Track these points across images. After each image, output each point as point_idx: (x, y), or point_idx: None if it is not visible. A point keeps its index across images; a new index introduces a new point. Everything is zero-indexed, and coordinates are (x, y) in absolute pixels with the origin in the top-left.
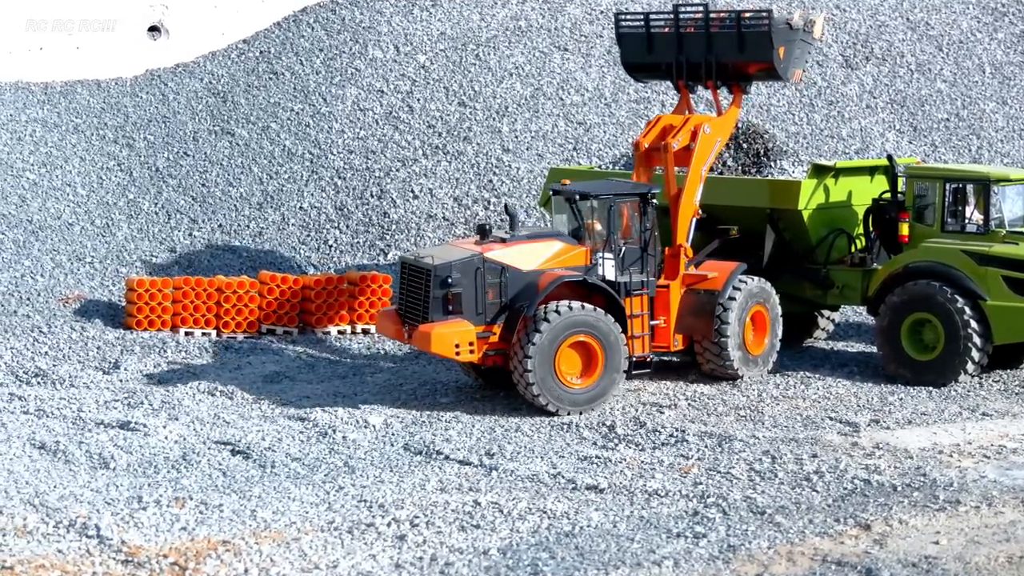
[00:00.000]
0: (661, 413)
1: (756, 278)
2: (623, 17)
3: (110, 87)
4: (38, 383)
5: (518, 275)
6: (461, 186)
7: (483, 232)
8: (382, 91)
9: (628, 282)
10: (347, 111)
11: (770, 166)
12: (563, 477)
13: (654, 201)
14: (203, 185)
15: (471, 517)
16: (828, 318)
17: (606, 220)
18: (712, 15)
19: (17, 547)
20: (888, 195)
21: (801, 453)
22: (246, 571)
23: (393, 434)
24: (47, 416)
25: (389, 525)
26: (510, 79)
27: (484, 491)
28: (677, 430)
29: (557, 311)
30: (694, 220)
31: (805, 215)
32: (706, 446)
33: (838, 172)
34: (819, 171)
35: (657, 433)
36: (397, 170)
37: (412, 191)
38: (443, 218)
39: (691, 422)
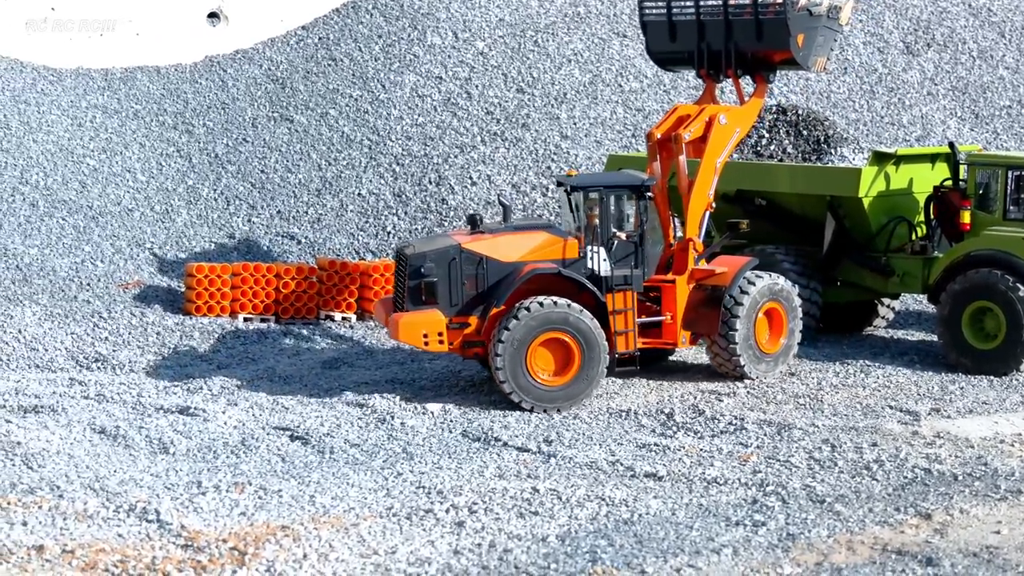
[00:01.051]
0: (720, 401)
1: (771, 274)
2: (646, 4)
3: (170, 73)
4: (98, 368)
5: (498, 266)
6: (519, 173)
7: (473, 222)
8: (440, 77)
9: (610, 277)
10: (405, 97)
11: (830, 153)
12: (622, 464)
13: (648, 194)
14: (262, 171)
15: (529, 504)
16: (888, 306)
17: (597, 213)
18: (731, 1)
19: (78, 531)
20: (949, 183)
21: (861, 442)
22: (305, 556)
23: (451, 421)
24: (107, 401)
25: (447, 511)
26: (569, 66)
27: (542, 478)
28: (736, 418)
29: (528, 308)
30: (707, 214)
31: (866, 203)
32: (765, 434)
33: (899, 159)
34: (880, 158)
35: (716, 421)
36: (455, 157)
37: (470, 177)
38: (500, 204)
39: (750, 410)
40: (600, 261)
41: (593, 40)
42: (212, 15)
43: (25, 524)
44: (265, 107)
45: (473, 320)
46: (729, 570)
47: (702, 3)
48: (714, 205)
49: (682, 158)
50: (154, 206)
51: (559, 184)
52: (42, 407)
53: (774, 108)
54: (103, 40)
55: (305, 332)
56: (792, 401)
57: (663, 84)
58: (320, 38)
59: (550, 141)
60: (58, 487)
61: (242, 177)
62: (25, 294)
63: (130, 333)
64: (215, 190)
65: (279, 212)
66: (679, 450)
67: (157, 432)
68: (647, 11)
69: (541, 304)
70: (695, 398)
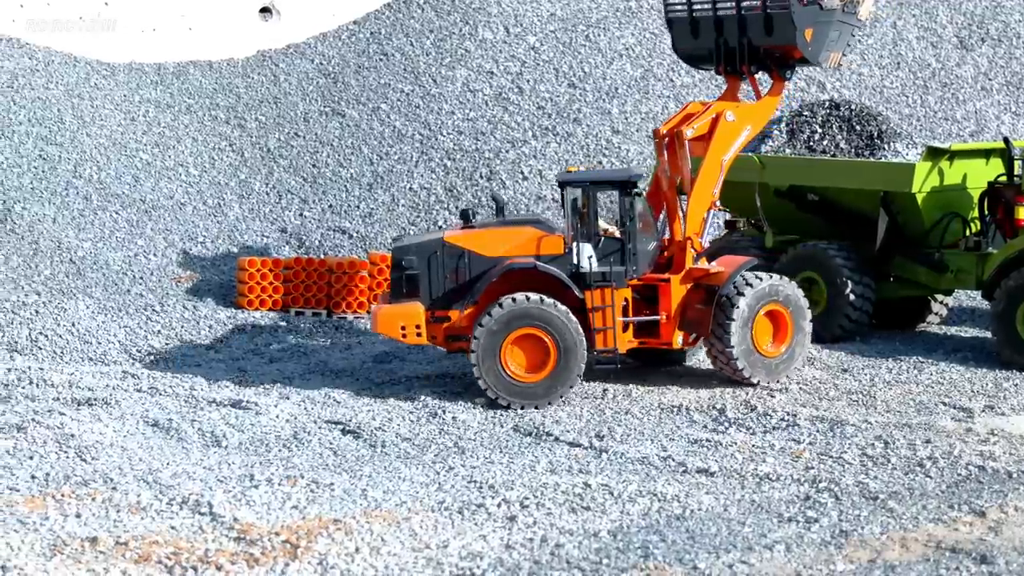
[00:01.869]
0: (772, 397)
1: (774, 276)
2: (670, 2)
3: (222, 68)
4: (151, 361)
5: (480, 261)
6: (571, 168)
7: (466, 217)
8: (492, 72)
9: (588, 273)
10: (457, 92)
11: (883, 148)
12: (673, 460)
13: (636, 191)
14: (313, 166)
15: (581, 499)
16: (942, 303)
17: (585, 208)
18: None
19: (131, 523)
20: (1004, 178)
21: (914, 439)
22: (357, 550)
23: (502, 415)
24: (160, 394)
25: (499, 506)
26: (620, 60)
27: (594, 473)
28: (788, 414)
29: (502, 303)
30: (711, 212)
31: (919, 198)
32: (818, 430)
33: (953, 155)
34: (934, 154)
35: (768, 417)
36: (506, 151)
37: (521, 172)
38: (552, 199)
39: (802, 406)
40: (585, 257)
41: (645, 35)
42: (264, 10)
43: (79, 516)
44: (317, 102)
45: (455, 314)
46: (782, 566)
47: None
48: (718, 204)
49: (686, 155)
50: (206, 200)
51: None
52: (96, 400)
53: (827, 103)
54: (156, 35)
55: (357, 326)
56: (845, 397)
57: (715, 79)
58: (372, 33)
59: (601, 136)
60: (111, 479)
61: (294, 171)
62: (79, 287)
63: (182, 327)
64: (267, 184)
65: (331, 206)
66: (731, 446)
67: (210, 425)
68: (671, 8)
69: (515, 300)
70: (747, 394)
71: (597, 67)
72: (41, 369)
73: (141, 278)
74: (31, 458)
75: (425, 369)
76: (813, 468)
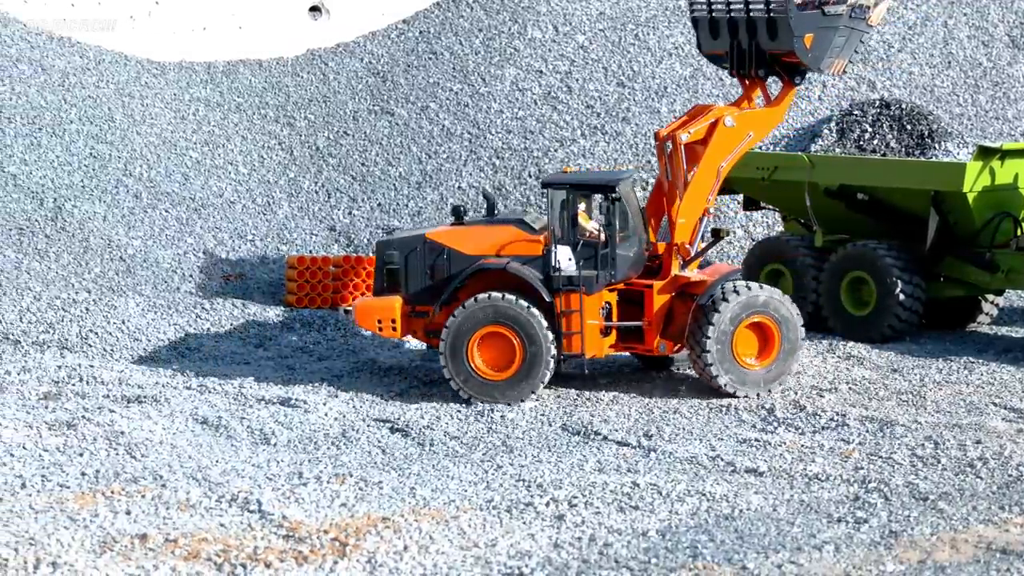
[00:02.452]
0: (821, 397)
1: (764, 287)
2: (694, 1)
3: (271, 67)
4: (200, 359)
5: (461, 258)
6: (619, 167)
7: (457, 214)
8: (541, 71)
9: (558, 277)
10: (506, 91)
11: (934, 148)
12: (722, 459)
13: (614, 195)
14: (362, 164)
15: (629, 498)
16: (992, 302)
17: (565, 211)
18: None
19: (180, 520)
20: None
21: (964, 439)
22: (405, 548)
23: (550, 414)
24: (209, 392)
25: (547, 505)
26: (669, 59)
27: (643, 472)
28: (837, 414)
29: (472, 301)
30: (705, 219)
31: (970, 198)
32: (867, 431)
33: (1004, 154)
34: (985, 153)
35: (817, 417)
36: (555, 150)
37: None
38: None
39: (852, 406)
40: (564, 260)
41: (694, 34)
42: (314, 9)
43: (129, 513)
44: (366, 100)
45: (434, 310)
46: (831, 567)
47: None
48: (711, 211)
49: (680, 159)
50: (256, 198)
51: None
52: (145, 397)
53: (877, 102)
54: (206, 34)
55: None
56: (895, 397)
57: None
58: (421, 32)
59: (650, 135)
60: (161, 477)
61: (343, 170)
62: (128, 285)
63: (232, 324)
64: (316, 183)
65: (379, 205)
66: (780, 446)
67: (259, 423)
68: (694, 7)
69: (483, 298)
70: (796, 393)
71: (646, 66)
72: (91, 367)
73: (190, 276)
74: (81, 455)
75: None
76: (863, 468)
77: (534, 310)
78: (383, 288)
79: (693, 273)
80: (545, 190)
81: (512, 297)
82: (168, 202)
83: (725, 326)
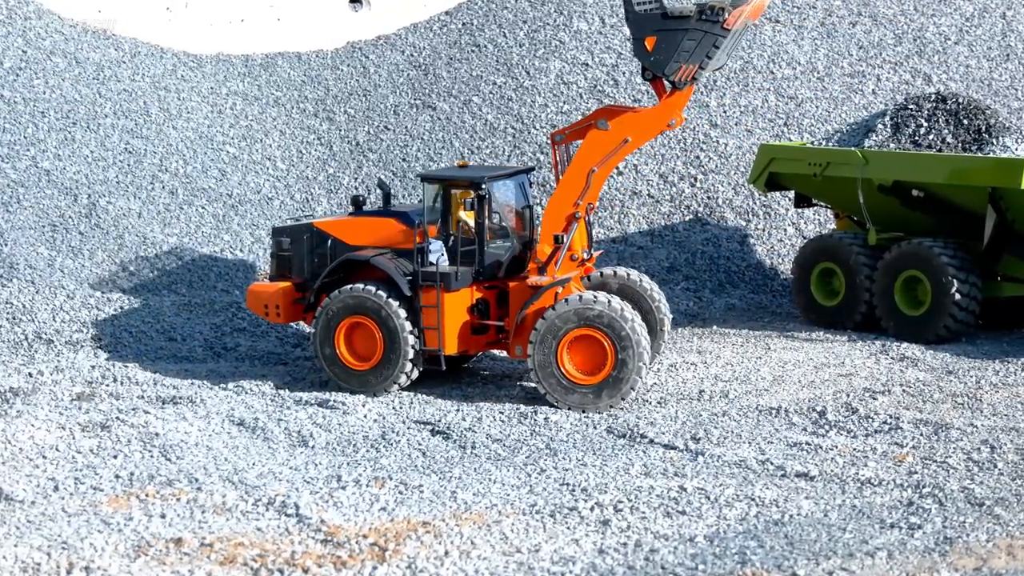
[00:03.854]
0: (874, 399)
1: (597, 295)
2: None
3: (310, 59)
4: (236, 359)
5: (344, 248)
6: (667, 162)
7: (356, 204)
8: (587, 64)
9: (417, 272)
10: (551, 85)
11: (992, 143)
12: (771, 463)
13: (482, 192)
14: (403, 160)
15: (676, 503)
16: None
17: (440, 206)
18: None
19: (216, 524)
20: None
21: (1022, 443)
22: (446, 553)
23: (595, 417)
24: (246, 393)
25: (592, 509)
26: None
27: (690, 476)
28: (891, 417)
29: (338, 291)
30: (574, 225)
31: None
32: (921, 434)
33: None
34: None
35: (870, 420)
36: None
37: (617, 167)
38: (648, 195)
39: (905, 409)
40: (435, 255)
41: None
42: (354, 0)
43: (164, 516)
44: (407, 94)
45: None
46: (884, 574)
47: None
48: (578, 215)
49: (558, 159)
50: (294, 195)
51: None
52: (180, 398)
53: (933, 96)
54: (244, 26)
55: None
56: (950, 400)
57: (816, 71)
58: (464, 23)
59: (699, 129)
60: (196, 479)
61: (383, 165)
62: (164, 283)
63: (269, 324)
64: (356, 179)
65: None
66: (831, 449)
67: (296, 425)
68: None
69: (352, 289)
70: (848, 396)
71: None
72: (126, 367)
73: (227, 274)
74: (115, 457)
75: (515, 368)
76: (916, 473)
77: (393, 303)
78: (276, 274)
79: (543, 278)
80: (422, 184)
81: (372, 288)
82: (204, 198)
83: (550, 335)
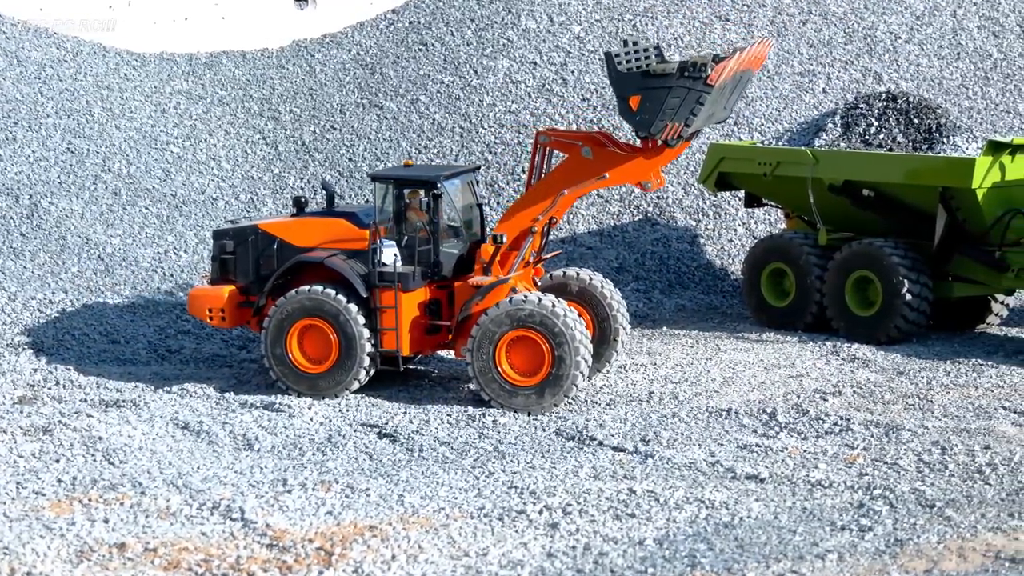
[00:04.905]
0: (825, 400)
1: (529, 294)
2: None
3: (256, 58)
4: (181, 362)
5: (291, 250)
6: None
7: (298, 205)
8: (535, 63)
9: (372, 272)
10: (499, 84)
11: (942, 143)
12: (721, 465)
13: (436, 191)
14: (350, 159)
15: (626, 506)
16: (1002, 303)
17: (392, 206)
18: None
19: (160, 529)
20: None
21: (973, 444)
22: (393, 557)
23: (544, 419)
24: (190, 396)
25: (541, 512)
26: (668, 51)
27: (639, 479)
28: (841, 418)
29: (291, 294)
30: (529, 238)
31: (979, 194)
32: (872, 435)
33: (1015, 149)
34: (995, 148)
35: (820, 421)
36: None
37: None
38: (597, 194)
39: (856, 410)
40: (389, 255)
41: (694, 24)
42: None
43: (107, 521)
44: (354, 93)
45: (267, 301)
46: None
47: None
48: (534, 229)
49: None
50: (239, 195)
51: None
52: (124, 401)
53: (884, 95)
54: (187, 24)
55: None
56: (901, 401)
57: (767, 70)
58: (411, 22)
59: None
60: (140, 483)
61: (330, 165)
62: (107, 285)
63: (241, 326)
64: (302, 179)
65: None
66: (782, 451)
67: (241, 428)
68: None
69: (307, 290)
70: (798, 397)
71: None
72: (68, 369)
73: (171, 275)
74: (57, 461)
75: (464, 370)
76: (867, 475)
77: (349, 304)
78: (219, 277)
79: (484, 278)
80: (372, 184)
81: (326, 290)
82: (148, 199)
83: (486, 337)
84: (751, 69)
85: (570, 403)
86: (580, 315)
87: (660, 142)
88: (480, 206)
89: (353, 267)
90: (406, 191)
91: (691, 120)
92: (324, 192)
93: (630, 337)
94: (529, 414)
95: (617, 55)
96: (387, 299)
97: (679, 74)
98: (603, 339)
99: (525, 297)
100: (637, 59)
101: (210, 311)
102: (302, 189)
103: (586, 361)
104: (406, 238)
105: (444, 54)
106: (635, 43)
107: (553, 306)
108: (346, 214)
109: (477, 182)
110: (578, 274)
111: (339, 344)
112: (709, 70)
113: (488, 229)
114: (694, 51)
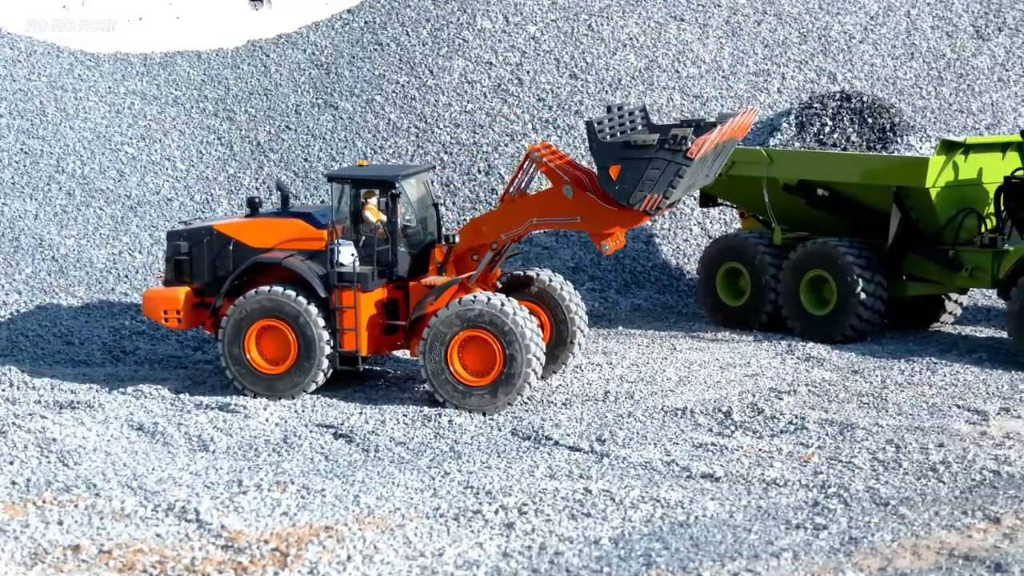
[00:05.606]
0: (780, 399)
1: (480, 294)
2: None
3: (210, 58)
4: (135, 363)
5: (247, 251)
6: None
7: (252, 205)
8: (491, 63)
9: (332, 273)
10: (454, 83)
11: (896, 142)
12: (677, 465)
13: (395, 191)
14: (305, 160)
15: (582, 505)
16: (956, 301)
17: (348, 206)
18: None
19: (115, 531)
20: (1021, 172)
21: (927, 442)
22: (349, 558)
23: (500, 419)
24: (145, 397)
25: (496, 512)
26: (624, 50)
27: (595, 478)
28: (796, 417)
29: (249, 295)
30: (489, 253)
31: (933, 193)
32: (827, 434)
33: (968, 148)
34: (948, 147)
35: (776, 420)
36: (505, 145)
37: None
38: (279, 189)
39: (811, 409)
40: (347, 255)
41: (649, 24)
42: None
43: (61, 523)
44: (309, 93)
45: (223, 302)
46: (789, 575)
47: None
48: (495, 245)
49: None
50: (194, 195)
51: None
52: (78, 403)
53: (838, 95)
54: (142, 24)
55: None
56: (855, 400)
57: (721, 70)
58: (366, 22)
59: None
60: (95, 485)
61: (285, 166)
62: (61, 286)
63: (195, 327)
64: (257, 179)
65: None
66: (737, 450)
67: (196, 429)
68: None
69: (265, 291)
70: (754, 396)
71: (600, 57)
72: (22, 371)
73: (126, 276)
74: (11, 463)
75: (419, 371)
76: (822, 473)
77: (308, 305)
78: (173, 278)
79: (436, 277)
80: (329, 184)
81: (286, 291)
82: (102, 199)
83: (437, 338)
84: (735, 138)
85: (525, 403)
86: (537, 316)
87: (642, 209)
88: (436, 206)
89: (312, 268)
90: (363, 191)
91: (670, 192)
92: (279, 193)
93: (587, 338)
94: (484, 414)
95: (600, 123)
96: (346, 299)
97: (659, 146)
98: (560, 341)
99: (475, 297)
100: (621, 126)
101: (165, 312)
102: (257, 189)
103: (538, 359)
104: (363, 238)
105: (400, 54)
106: (619, 108)
107: (503, 305)
108: (302, 215)
109: (433, 182)
110: (538, 275)
111: (298, 345)
112: (690, 143)
113: (446, 229)
114: (649, 49)
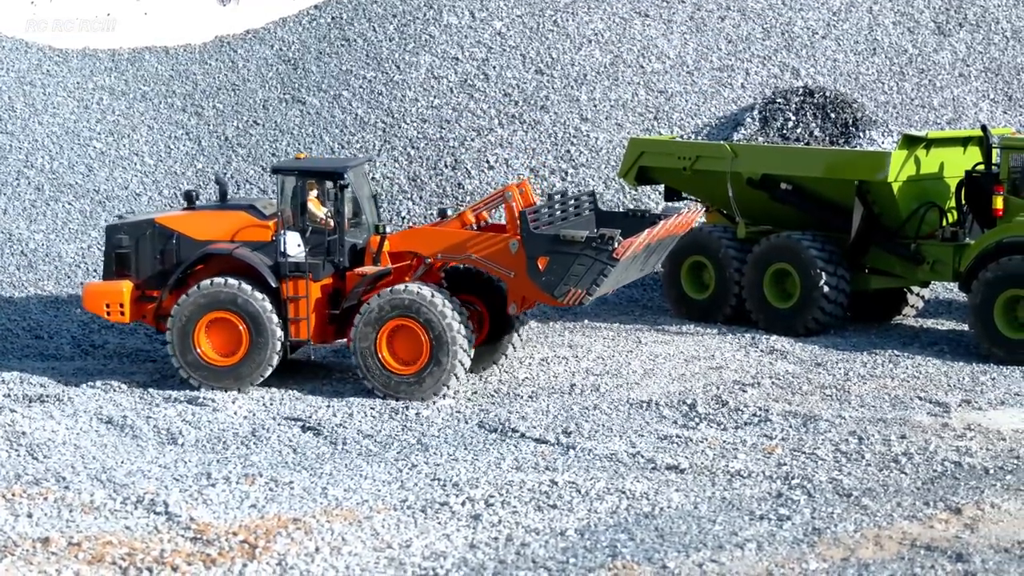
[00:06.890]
0: (744, 392)
1: (410, 284)
2: None
3: (179, 54)
4: (104, 356)
5: (190, 244)
6: (538, 156)
7: (189, 199)
8: (457, 58)
9: (283, 263)
10: (421, 79)
11: (859, 137)
12: (642, 456)
13: (343, 182)
14: (273, 154)
15: (548, 497)
16: (918, 295)
17: (295, 197)
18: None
19: (84, 523)
20: (982, 167)
21: (889, 434)
22: (317, 550)
23: (467, 411)
24: (114, 390)
25: (463, 504)
26: (589, 46)
27: (561, 470)
28: (760, 409)
29: (198, 287)
30: (428, 261)
31: (895, 187)
32: (790, 426)
33: (930, 143)
34: (910, 142)
35: (740, 412)
36: (472, 140)
37: (487, 162)
38: (217, 183)
39: (775, 401)
40: (293, 246)
41: (614, 20)
42: None
43: (30, 516)
44: (276, 89)
45: (169, 296)
46: (753, 565)
47: None
48: (428, 260)
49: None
50: (162, 190)
51: None
52: (47, 396)
53: (801, 90)
54: (110, 20)
55: None
56: (818, 392)
57: (686, 65)
58: (333, 18)
59: (569, 124)
60: (64, 478)
61: (253, 161)
62: (30, 280)
63: (137, 321)
64: (225, 174)
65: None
66: (701, 442)
67: (165, 422)
68: None
69: (211, 284)
70: (718, 388)
71: (565, 53)
72: None
73: (95, 271)
74: None
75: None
76: (785, 464)
77: (258, 295)
78: (113, 272)
79: (367, 268)
80: (275, 176)
81: (236, 283)
82: (71, 194)
83: (365, 326)
84: (676, 234)
85: (491, 395)
86: (476, 306)
87: (564, 303)
88: (375, 197)
89: (262, 259)
90: (309, 182)
91: (593, 289)
92: (217, 186)
93: (551, 330)
94: (412, 400)
95: (535, 212)
96: (296, 289)
97: (586, 244)
98: (502, 330)
99: (405, 287)
100: (563, 214)
101: (108, 306)
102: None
103: (464, 351)
104: (309, 229)
105: (366, 49)
106: (562, 196)
107: (432, 296)
108: (245, 206)
109: (372, 175)
110: None
111: (249, 336)
112: (616, 244)
113: (409, 223)
114: (614, 45)
